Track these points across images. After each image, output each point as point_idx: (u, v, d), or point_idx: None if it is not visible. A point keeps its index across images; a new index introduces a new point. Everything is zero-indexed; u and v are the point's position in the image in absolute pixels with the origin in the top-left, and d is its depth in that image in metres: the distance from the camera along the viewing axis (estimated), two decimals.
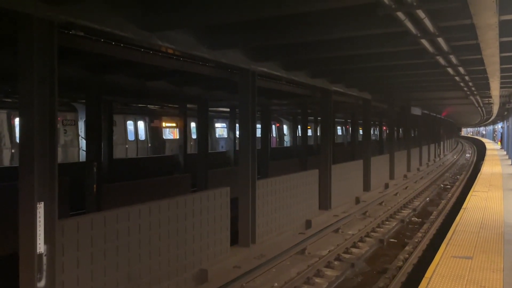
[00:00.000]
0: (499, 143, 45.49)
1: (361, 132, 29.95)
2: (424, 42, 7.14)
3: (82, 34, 6.03)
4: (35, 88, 4.73)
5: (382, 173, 19.01)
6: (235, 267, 8.00)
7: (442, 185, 21.95)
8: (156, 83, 11.40)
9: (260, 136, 19.07)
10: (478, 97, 17.43)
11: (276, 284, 7.64)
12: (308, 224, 11.40)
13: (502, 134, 39.56)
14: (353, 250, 9.88)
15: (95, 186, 10.81)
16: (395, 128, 28.16)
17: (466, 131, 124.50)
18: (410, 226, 12.77)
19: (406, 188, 19.64)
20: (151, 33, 6.20)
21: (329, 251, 9.38)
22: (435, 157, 36.22)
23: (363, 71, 11.25)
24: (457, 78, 11.43)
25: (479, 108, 23.54)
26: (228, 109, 20.55)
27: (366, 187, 16.63)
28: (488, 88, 13.66)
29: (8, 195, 8.41)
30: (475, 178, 17.55)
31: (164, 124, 21.78)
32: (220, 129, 25.77)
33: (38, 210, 4.75)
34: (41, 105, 4.78)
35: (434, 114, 32.61)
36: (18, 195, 4.82)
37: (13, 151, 14.70)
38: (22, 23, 4.74)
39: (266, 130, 19.67)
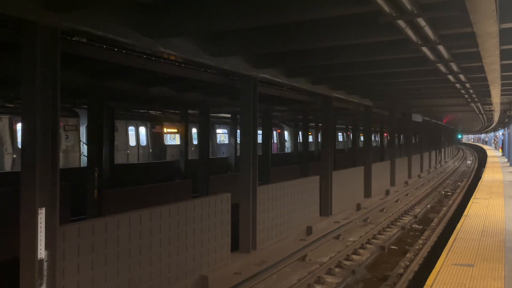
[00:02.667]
0: (500, 150, 45.46)
1: (362, 138, 30.09)
2: (425, 49, 7.17)
3: (85, 41, 6.08)
4: (38, 94, 4.77)
5: (383, 180, 19.00)
6: (236, 273, 7.99)
7: (443, 192, 21.91)
8: (158, 89, 11.45)
9: (261, 142, 19.08)
10: (479, 104, 17.44)
11: None
12: (309, 230, 11.39)
13: (503, 141, 39.55)
14: (354, 257, 9.86)
15: (96, 191, 10.81)
16: (396, 135, 28.17)
17: (467, 138, 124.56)
18: (411, 233, 12.74)
19: (407, 194, 19.61)
20: (153, 40, 6.24)
21: (330, 258, 9.36)
22: (436, 163, 36.18)
23: (364, 78, 11.28)
24: (458, 85, 11.46)
25: (480, 115, 23.55)
26: (229, 115, 20.60)
27: (367, 193, 16.61)
28: (489, 96, 13.68)
29: (9, 200, 8.44)
30: (476, 185, 17.53)
31: (165, 130, 21.83)
32: (222, 135, 25.81)
33: (39, 216, 4.76)
34: (43, 111, 4.81)
35: (435, 121, 32.62)
36: (20, 201, 4.83)
37: (14, 156, 14.73)
38: (26, 30, 4.79)
39: (267, 136, 19.69)
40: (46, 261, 4.85)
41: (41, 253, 4.80)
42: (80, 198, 10.99)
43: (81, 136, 16.83)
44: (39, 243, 4.77)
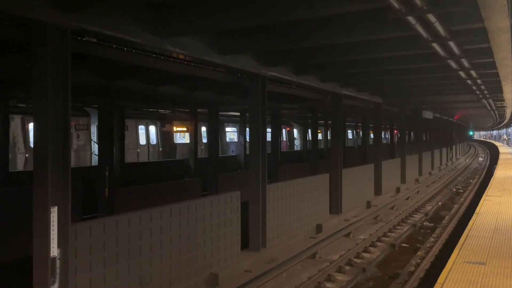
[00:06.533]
0: None
1: (372, 135, 29.92)
2: (435, 46, 7.11)
3: (94, 41, 6.11)
4: (49, 94, 4.81)
5: (393, 177, 18.88)
6: (246, 271, 8.01)
7: (454, 189, 21.71)
8: (167, 88, 11.49)
9: (270, 140, 19.07)
10: (490, 101, 17.25)
11: None
12: (319, 228, 11.37)
13: None
14: (365, 255, 9.82)
15: (107, 190, 10.91)
16: (407, 132, 27.96)
17: (478, 135, 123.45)
18: (422, 230, 12.65)
19: (417, 192, 19.47)
20: (162, 39, 6.27)
21: (340, 256, 9.33)
22: (447, 161, 35.85)
23: (374, 75, 11.21)
24: (469, 81, 11.34)
25: (491, 111, 23.30)
26: (238, 114, 20.61)
27: (377, 191, 16.52)
28: (501, 92, 13.52)
29: (22, 199, 8.54)
30: (488, 183, 17.34)
31: (175, 129, 21.92)
32: (231, 133, 25.84)
33: (51, 214, 4.82)
34: (55, 111, 4.86)
35: (446, 118, 32.31)
36: (32, 200, 4.89)
37: (26, 155, 14.91)
38: (36, 30, 4.84)
39: (276, 134, 19.68)
40: (58, 259, 4.90)
41: (54, 251, 4.85)
42: (92, 196, 11.10)
43: (92, 135, 16.97)
44: (51, 241, 4.82)
